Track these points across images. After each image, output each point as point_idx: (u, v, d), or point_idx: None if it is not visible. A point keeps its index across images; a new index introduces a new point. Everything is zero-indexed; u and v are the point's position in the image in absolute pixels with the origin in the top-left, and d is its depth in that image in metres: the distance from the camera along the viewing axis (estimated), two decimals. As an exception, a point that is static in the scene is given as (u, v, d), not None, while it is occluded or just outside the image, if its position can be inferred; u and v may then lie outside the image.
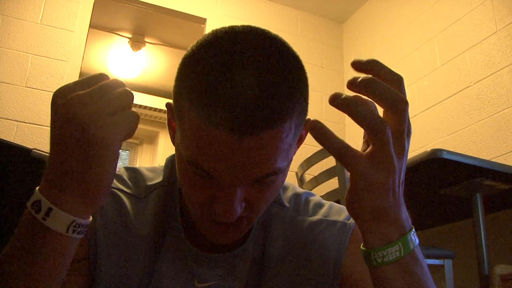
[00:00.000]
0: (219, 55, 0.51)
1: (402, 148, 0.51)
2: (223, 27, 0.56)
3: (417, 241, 0.53)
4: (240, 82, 0.49)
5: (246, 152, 0.50)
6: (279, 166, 0.53)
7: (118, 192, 0.68)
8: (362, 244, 0.53)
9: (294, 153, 0.59)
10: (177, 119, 0.56)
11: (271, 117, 0.49)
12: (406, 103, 0.49)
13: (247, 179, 0.53)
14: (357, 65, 0.51)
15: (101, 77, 0.51)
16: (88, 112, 0.46)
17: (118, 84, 0.51)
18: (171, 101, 0.61)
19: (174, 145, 0.61)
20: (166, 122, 0.65)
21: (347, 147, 0.49)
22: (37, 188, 0.49)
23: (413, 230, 0.53)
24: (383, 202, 0.51)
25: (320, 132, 0.49)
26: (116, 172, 0.70)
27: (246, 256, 0.68)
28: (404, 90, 0.51)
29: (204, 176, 0.54)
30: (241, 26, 0.55)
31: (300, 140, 0.62)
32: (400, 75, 0.52)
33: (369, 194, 0.50)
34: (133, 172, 0.73)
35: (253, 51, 0.52)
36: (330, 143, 0.49)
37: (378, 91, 0.48)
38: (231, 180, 0.53)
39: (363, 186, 0.50)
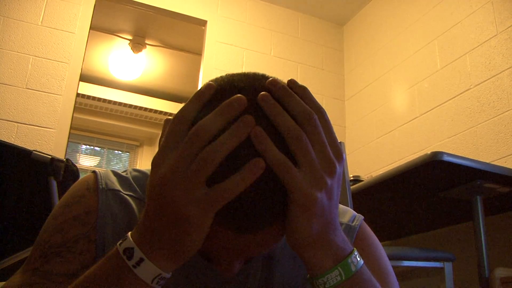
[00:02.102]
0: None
1: (329, 163, 0.49)
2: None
3: (361, 262, 0.53)
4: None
5: (243, 244, 0.50)
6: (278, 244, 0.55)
7: (128, 198, 0.67)
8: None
9: None
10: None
11: (270, 219, 0.49)
12: (312, 113, 0.49)
13: (244, 258, 0.55)
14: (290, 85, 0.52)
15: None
16: (179, 194, 0.47)
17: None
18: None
19: None
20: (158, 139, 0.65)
21: (286, 160, 0.47)
22: (130, 234, 0.51)
23: (355, 252, 0.52)
24: (318, 225, 0.49)
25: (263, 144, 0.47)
26: (125, 175, 0.70)
27: (256, 273, 0.67)
28: (314, 102, 0.51)
29: None
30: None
31: None
32: (304, 87, 0.52)
33: (303, 216, 0.48)
34: (142, 175, 0.72)
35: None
36: (270, 154, 0.47)
37: (287, 104, 0.49)
38: (230, 263, 0.54)
39: (299, 205, 0.48)
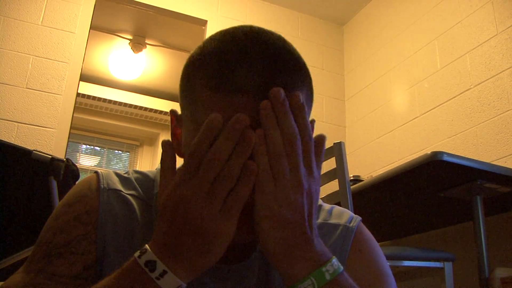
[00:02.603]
0: (229, 42, 0.56)
1: (298, 184, 0.54)
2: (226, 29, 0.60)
3: (340, 269, 0.54)
4: (250, 58, 0.54)
5: (257, 114, 0.54)
6: None
7: (129, 197, 0.68)
8: None
9: None
10: (189, 115, 0.59)
11: (280, 85, 0.54)
12: (296, 138, 0.54)
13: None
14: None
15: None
16: (200, 213, 0.52)
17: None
18: (174, 107, 0.65)
19: (178, 154, 0.62)
20: (170, 131, 0.67)
21: (270, 174, 0.53)
22: (148, 246, 0.53)
23: (332, 260, 0.54)
24: (287, 238, 0.53)
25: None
26: (126, 176, 0.71)
27: (255, 268, 0.67)
28: (305, 123, 0.55)
29: None
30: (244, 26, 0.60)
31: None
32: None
33: (275, 231, 0.53)
34: (143, 176, 0.72)
35: (262, 38, 0.57)
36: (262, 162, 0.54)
37: (280, 121, 0.55)
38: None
39: (268, 223, 0.53)
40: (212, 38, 0.59)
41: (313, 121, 0.60)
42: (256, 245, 0.68)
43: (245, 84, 0.53)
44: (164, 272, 0.51)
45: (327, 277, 0.53)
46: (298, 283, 0.53)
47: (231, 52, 0.55)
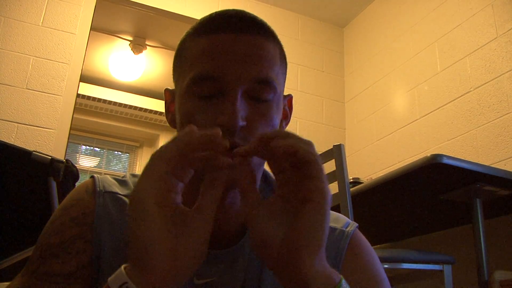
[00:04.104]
0: (215, 13, 0.64)
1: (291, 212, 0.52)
2: None
3: None
4: (230, 11, 0.63)
5: (242, 49, 0.60)
6: (271, 77, 0.62)
7: (125, 199, 0.68)
8: None
9: (284, 122, 0.70)
10: (180, 79, 0.65)
11: (258, 25, 0.63)
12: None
13: (245, 78, 0.60)
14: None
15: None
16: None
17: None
18: (169, 87, 0.72)
19: (173, 126, 0.68)
20: (164, 109, 0.73)
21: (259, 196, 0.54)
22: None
23: (342, 281, 0.51)
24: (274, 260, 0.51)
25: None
26: (122, 179, 0.72)
27: (245, 252, 0.68)
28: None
29: (207, 90, 0.60)
30: None
31: (285, 116, 0.71)
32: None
33: (259, 252, 0.52)
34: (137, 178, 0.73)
35: (247, 12, 0.65)
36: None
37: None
38: (232, 78, 0.59)
39: (259, 243, 0.52)
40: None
41: (289, 96, 0.70)
42: (245, 230, 0.69)
43: (224, 24, 0.61)
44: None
45: None
46: None
47: (213, 14, 0.64)
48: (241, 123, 0.57)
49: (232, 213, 0.65)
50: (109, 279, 0.48)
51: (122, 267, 0.49)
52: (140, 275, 0.48)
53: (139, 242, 0.48)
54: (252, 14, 0.64)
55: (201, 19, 0.65)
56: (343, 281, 0.51)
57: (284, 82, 0.69)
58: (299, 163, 0.51)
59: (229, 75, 0.59)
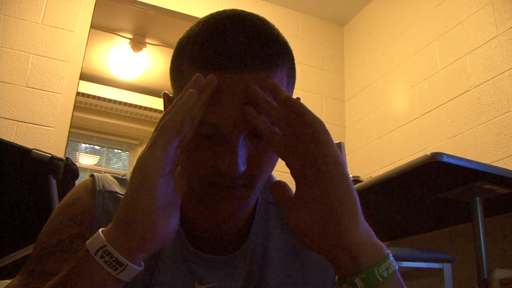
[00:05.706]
0: (213, 23, 0.58)
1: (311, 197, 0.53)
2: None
3: (395, 266, 0.51)
4: (232, 33, 0.56)
5: (244, 92, 0.55)
6: None
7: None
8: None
9: None
10: (175, 83, 0.63)
11: (264, 58, 0.56)
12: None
13: (246, 124, 0.56)
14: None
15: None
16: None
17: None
18: (167, 91, 0.69)
19: None
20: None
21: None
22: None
23: (390, 255, 0.51)
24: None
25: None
26: (123, 178, 0.72)
27: (246, 258, 0.68)
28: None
29: (207, 132, 0.57)
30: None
31: None
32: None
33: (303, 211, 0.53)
34: None
35: (244, 17, 0.59)
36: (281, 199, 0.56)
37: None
38: (232, 124, 0.56)
39: (299, 235, 0.53)
40: (198, 21, 0.62)
41: (298, 99, 0.63)
42: (248, 236, 0.69)
43: (226, 61, 0.55)
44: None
45: (379, 278, 0.50)
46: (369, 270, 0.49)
47: (214, 33, 0.57)
48: (242, 168, 0.56)
49: (233, 220, 0.65)
50: (87, 242, 0.50)
51: (100, 230, 0.51)
52: (120, 239, 0.49)
53: (137, 209, 0.50)
54: (261, 36, 0.57)
55: (200, 38, 0.59)
56: (391, 255, 0.52)
57: (293, 87, 0.65)
58: (305, 125, 0.52)
59: (229, 123, 0.56)
